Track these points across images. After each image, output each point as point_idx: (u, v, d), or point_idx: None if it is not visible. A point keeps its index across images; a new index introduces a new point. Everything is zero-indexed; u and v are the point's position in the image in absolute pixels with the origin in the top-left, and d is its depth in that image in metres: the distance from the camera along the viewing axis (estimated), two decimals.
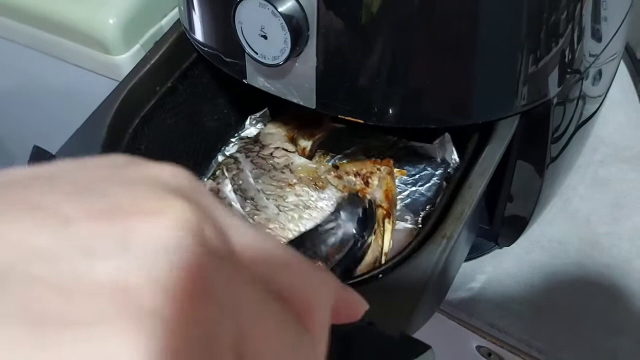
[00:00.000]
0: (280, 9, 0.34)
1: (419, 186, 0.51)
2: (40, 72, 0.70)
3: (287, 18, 0.34)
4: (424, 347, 0.31)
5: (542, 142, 0.42)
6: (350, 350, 0.31)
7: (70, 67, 0.65)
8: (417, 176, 0.51)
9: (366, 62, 0.36)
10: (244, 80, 0.42)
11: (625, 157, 0.59)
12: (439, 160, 0.52)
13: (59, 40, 0.63)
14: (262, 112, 0.56)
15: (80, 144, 0.43)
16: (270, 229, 0.44)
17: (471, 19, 0.35)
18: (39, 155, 0.41)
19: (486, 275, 0.53)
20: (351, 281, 0.35)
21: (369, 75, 0.37)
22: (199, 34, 0.44)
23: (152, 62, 0.47)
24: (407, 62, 0.36)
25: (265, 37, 0.36)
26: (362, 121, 0.38)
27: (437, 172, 0.51)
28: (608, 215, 0.56)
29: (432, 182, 0.51)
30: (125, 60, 0.62)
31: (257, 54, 0.37)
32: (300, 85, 0.39)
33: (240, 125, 0.57)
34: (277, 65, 0.37)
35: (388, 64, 0.36)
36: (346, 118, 0.39)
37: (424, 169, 0.52)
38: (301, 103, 0.40)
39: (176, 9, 0.64)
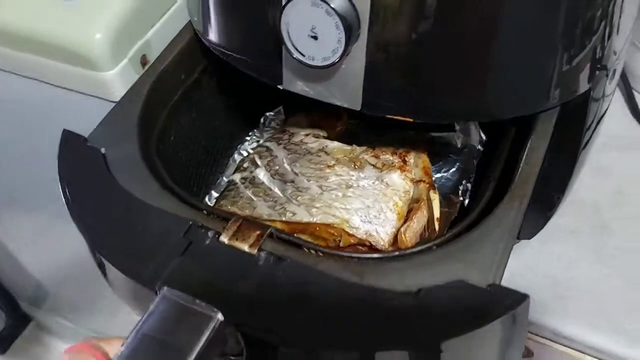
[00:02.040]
0: (335, 7, 0.33)
1: (444, 172, 0.52)
2: (22, 97, 0.65)
3: (342, 16, 0.33)
4: (522, 297, 0.30)
5: (576, 135, 0.42)
6: (440, 304, 0.31)
7: (54, 89, 0.61)
8: (440, 163, 0.53)
9: (419, 58, 0.36)
10: (279, 86, 0.40)
11: (618, 145, 0.62)
12: (459, 146, 0.53)
13: (42, 60, 0.59)
14: (277, 110, 0.56)
15: (114, 129, 0.41)
16: (317, 207, 0.43)
17: (523, 19, 0.35)
18: (71, 140, 0.40)
19: (509, 272, 0.54)
20: (431, 243, 0.35)
21: (421, 71, 0.36)
22: (221, 40, 0.42)
23: (177, 51, 0.46)
24: (460, 55, 0.36)
25: (315, 37, 0.35)
26: (411, 120, 0.38)
27: (459, 157, 0.53)
28: (613, 202, 0.58)
29: (456, 166, 0.52)
30: (114, 76, 0.59)
31: (304, 56, 0.36)
32: (346, 86, 0.37)
33: (256, 124, 0.56)
34: (328, 66, 0.35)
35: (443, 58, 0.36)
36: (395, 118, 0.38)
37: (447, 156, 0.53)
38: (345, 105, 0.38)
39: (163, 20, 0.61)
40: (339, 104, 0.39)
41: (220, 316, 0.31)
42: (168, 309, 0.32)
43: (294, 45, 0.36)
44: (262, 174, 0.47)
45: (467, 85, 0.37)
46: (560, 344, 0.51)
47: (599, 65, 0.40)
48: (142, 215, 0.36)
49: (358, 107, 0.38)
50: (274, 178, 0.46)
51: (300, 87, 0.39)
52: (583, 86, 0.40)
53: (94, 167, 0.39)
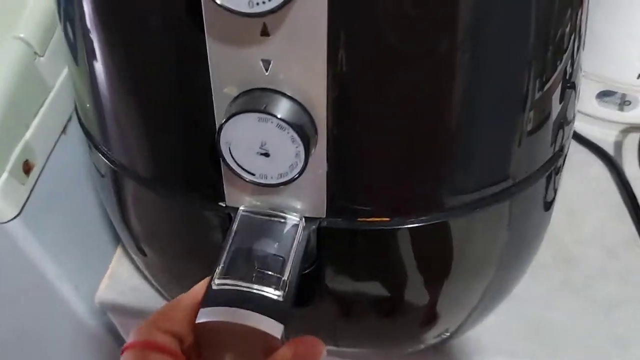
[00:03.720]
0: (286, 119, 0.27)
1: None
2: None
3: (298, 128, 0.27)
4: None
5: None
6: None
7: None
8: None
9: (389, 153, 0.30)
10: (222, 204, 0.33)
11: None
12: None
13: None
14: None
15: None
16: None
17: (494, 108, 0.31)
18: None
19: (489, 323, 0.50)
20: None
21: (394, 167, 0.31)
22: (132, 159, 0.35)
23: None
24: (433, 140, 0.31)
25: (266, 154, 0.28)
26: (388, 219, 0.32)
27: None
28: (569, 224, 0.56)
29: None
30: None
31: (254, 175, 0.29)
32: (306, 196, 0.31)
33: None
34: (286, 183, 0.29)
35: (418, 149, 0.30)
36: (368, 220, 0.32)
37: None
38: (306, 215, 0.32)
39: (42, 113, 0.51)
40: (298, 215, 0.32)
41: (303, 221, 0.32)
42: (251, 224, 0.31)
43: (239, 165, 0.29)
44: None
45: (451, 168, 0.32)
46: None
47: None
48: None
49: (323, 215, 0.32)
50: None
51: (249, 202, 0.32)
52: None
53: None
